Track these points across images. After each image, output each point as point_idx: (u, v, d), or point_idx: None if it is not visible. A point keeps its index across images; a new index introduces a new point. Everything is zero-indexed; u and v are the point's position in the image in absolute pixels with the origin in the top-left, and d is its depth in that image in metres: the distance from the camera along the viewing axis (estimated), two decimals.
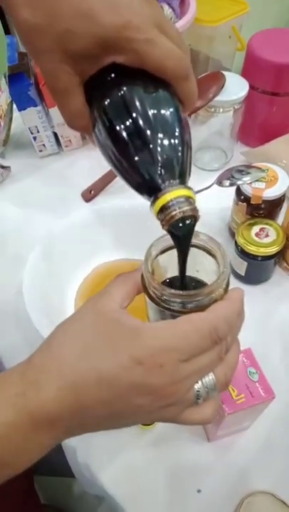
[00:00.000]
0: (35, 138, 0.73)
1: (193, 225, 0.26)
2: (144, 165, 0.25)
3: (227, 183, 0.54)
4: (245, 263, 0.54)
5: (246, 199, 0.54)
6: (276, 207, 0.55)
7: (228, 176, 0.55)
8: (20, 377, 0.25)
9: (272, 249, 0.52)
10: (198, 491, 0.43)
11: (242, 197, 0.55)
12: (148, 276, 0.26)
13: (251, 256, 0.53)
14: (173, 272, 0.30)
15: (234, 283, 0.57)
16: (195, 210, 0.25)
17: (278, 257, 0.54)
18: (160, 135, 0.25)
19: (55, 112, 0.69)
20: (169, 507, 0.42)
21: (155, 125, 0.25)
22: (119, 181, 0.69)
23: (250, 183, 0.53)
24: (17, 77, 0.65)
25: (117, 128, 0.25)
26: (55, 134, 0.74)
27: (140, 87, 0.26)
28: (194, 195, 0.26)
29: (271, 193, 0.52)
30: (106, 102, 0.26)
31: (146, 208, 0.26)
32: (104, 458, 0.45)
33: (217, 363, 0.26)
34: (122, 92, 0.26)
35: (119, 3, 0.24)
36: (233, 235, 0.59)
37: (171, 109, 0.26)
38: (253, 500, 0.41)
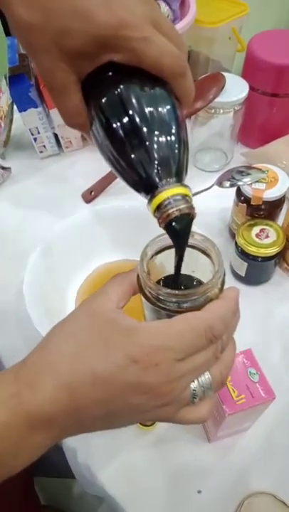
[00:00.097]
0: (35, 139, 0.73)
1: (189, 222, 0.26)
2: (140, 163, 0.25)
3: (227, 184, 0.54)
4: (246, 264, 0.54)
5: (246, 200, 0.54)
6: (276, 208, 0.55)
7: (229, 177, 0.55)
8: (14, 378, 0.25)
9: (273, 250, 0.52)
10: (199, 492, 0.43)
11: (242, 198, 0.55)
12: (144, 277, 0.27)
13: (251, 257, 0.53)
14: (169, 271, 0.30)
15: (234, 284, 0.57)
16: (191, 208, 0.25)
17: (278, 257, 0.54)
18: (157, 133, 0.25)
19: (55, 113, 0.69)
20: (169, 507, 0.42)
21: (152, 123, 0.25)
22: (119, 182, 0.69)
23: (251, 184, 0.53)
24: (18, 78, 0.65)
25: (114, 126, 0.26)
26: (56, 135, 0.74)
27: (137, 85, 0.26)
28: (191, 193, 0.26)
29: (271, 193, 0.52)
30: (103, 100, 0.26)
31: (146, 209, 0.26)
32: (104, 458, 0.45)
33: (213, 361, 0.27)
34: (118, 90, 0.26)
35: (116, 2, 0.24)
36: (233, 235, 0.59)
37: (168, 107, 0.26)
38: (253, 500, 0.41)
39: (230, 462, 0.44)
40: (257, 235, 0.53)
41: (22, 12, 0.24)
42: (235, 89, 0.63)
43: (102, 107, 0.26)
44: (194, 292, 0.26)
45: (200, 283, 0.30)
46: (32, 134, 0.72)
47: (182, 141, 0.26)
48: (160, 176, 0.25)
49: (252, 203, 0.53)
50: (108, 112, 0.26)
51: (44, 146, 0.75)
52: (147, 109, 0.25)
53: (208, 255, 0.28)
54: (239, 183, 0.53)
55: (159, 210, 0.25)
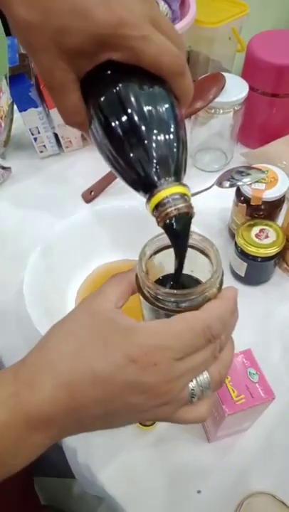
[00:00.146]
0: (35, 139, 0.73)
1: (188, 221, 0.26)
2: (139, 162, 0.25)
3: (227, 184, 0.54)
4: (245, 264, 0.54)
5: (246, 200, 0.54)
6: (276, 208, 0.55)
7: (228, 177, 0.55)
8: (14, 378, 0.25)
9: (272, 250, 0.52)
10: (198, 492, 0.43)
11: (242, 198, 0.55)
12: (142, 276, 0.27)
13: (251, 257, 0.53)
14: (167, 271, 0.30)
15: (234, 284, 0.57)
16: (190, 207, 0.25)
17: (278, 258, 0.54)
18: (155, 132, 0.25)
19: (55, 113, 0.69)
20: (169, 508, 0.42)
21: (150, 122, 0.25)
22: (119, 182, 0.69)
23: (250, 184, 0.53)
24: (18, 78, 0.65)
25: (113, 125, 0.26)
26: (56, 135, 0.74)
27: (136, 84, 0.26)
28: (189, 192, 0.26)
29: (271, 194, 0.52)
30: (102, 99, 0.26)
31: (146, 209, 0.26)
32: (104, 458, 0.45)
33: (211, 361, 0.27)
34: (117, 89, 0.26)
35: (115, 0, 0.24)
36: (233, 235, 0.59)
37: (167, 106, 0.26)
38: (253, 501, 0.41)
39: (229, 462, 0.44)
40: (256, 235, 0.53)
41: (21, 11, 0.24)
42: (235, 89, 0.63)
43: (100, 105, 0.26)
44: (193, 292, 0.26)
45: (198, 282, 0.30)
46: (32, 134, 0.72)
47: (181, 140, 0.26)
48: (159, 174, 0.25)
49: (252, 203, 0.53)
50: (107, 111, 0.26)
51: (44, 145, 0.75)
52: (146, 108, 0.25)
53: (206, 255, 0.28)
54: (239, 183, 0.53)
55: (157, 209, 0.25)
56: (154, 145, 0.25)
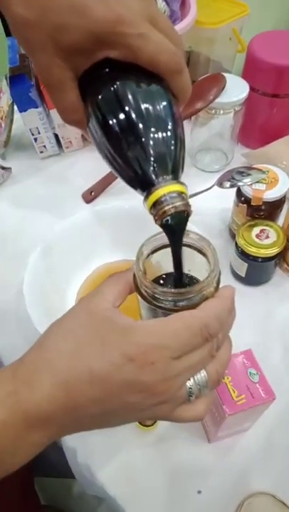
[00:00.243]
0: (36, 139, 0.73)
1: (185, 219, 0.26)
2: (136, 160, 0.25)
3: (227, 184, 0.54)
4: (246, 264, 0.54)
5: (247, 200, 0.54)
6: (276, 208, 0.55)
7: (229, 178, 0.55)
8: (12, 376, 0.25)
9: (273, 251, 0.52)
10: (199, 492, 0.43)
11: (242, 198, 0.55)
12: (140, 276, 0.27)
13: (252, 257, 0.53)
14: (165, 270, 0.30)
15: (235, 284, 0.57)
16: (187, 205, 0.25)
17: (279, 258, 0.54)
18: (153, 130, 0.25)
19: (55, 113, 0.69)
20: (169, 508, 0.42)
21: (148, 120, 0.25)
22: (119, 182, 0.69)
23: (251, 184, 0.53)
24: (18, 78, 0.65)
25: (110, 123, 0.26)
26: (56, 135, 0.74)
27: (133, 82, 0.26)
28: (187, 190, 0.26)
29: (271, 194, 0.52)
30: (99, 97, 0.26)
31: (144, 207, 0.26)
32: (104, 458, 0.45)
33: (208, 360, 0.27)
34: (114, 87, 0.26)
35: None
36: (233, 236, 0.59)
37: (164, 104, 0.26)
38: (253, 501, 0.41)
39: (230, 462, 0.44)
40: (257, 236, 0.53)
41: (19, 8, 0.24)
42: (236, 89, 0.63)
43: (98, 103, 0.26)
44: (190, 291, 0.26)
45: (196, 282, 0.30)
46: (32, 134, 0.72)
47: (178, 138, 0.26)
48: (156, 173, 0.25)
49: (252, 203, 0.53)
50: (104, 109, 0.26)
51: (44, 146, 0.75)
52: (143, 106, 0.25)
53: (204, 254, 0.28)
54: (239, 183, 0.53)
55: (155, 207, 0.25)
56: (151, 143, 0.25)
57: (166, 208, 0.25)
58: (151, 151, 0.25)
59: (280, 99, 0.67)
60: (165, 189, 0.25)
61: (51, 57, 0.25)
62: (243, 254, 0.53)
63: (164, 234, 0.27)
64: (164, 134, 0.25)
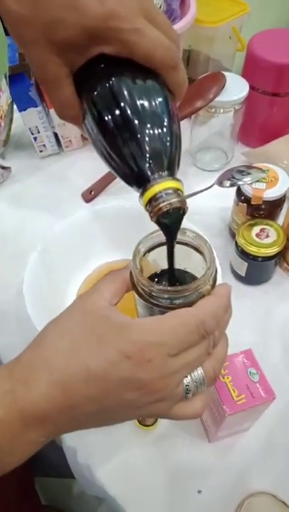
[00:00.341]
0: (35, 138, 0.73)
1: (181, 216, 0.26)
2: (132, 156, 0.25)
3: (227, 183, 0.54)
4: (246, 264, 0.54)
5: (247, 200, 0.54)
6: (277, 207, 0.55)
7: (229, 177, 0.55)
8: (9, 375, 0.25)
9: (273, 250, 0.52)
10: (199, 492, 0.43)
11: (242, 197, 0.55)
12: (136, 274, 0.27)
13: (252, 256, 0.53)
14: (161, 268, 0.30)
15: (235, 284, 0.57)
16: (183, 201, 0.25)
17: (279, 257, 0.54)
18: (149, 126, 0.25)
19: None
20: (169, 507, 0.42)
21: (144, 116, 0.25)
22: (119, 182, 0.69)
23: (251, 183, 0.53)
24: (18, 77, 0.65)
25: (106, 119, 0.25)
26: (56, 135, 0.74)
27: (128, 78, 0.26)
28: (183, 186, 0.26)
29: (272, 193, 0.52)
30: (94, 93, 0.26)
31: (139, 204, 0.26)
32: (104, 458, 0.45)
33: (205, 357, 0.27)
34: (110, 83, 0.25)
35: None
36: (233, 235, 0.59)
37: (160, 100, 0.26)
38: (253, 500, 0.40)
39: (230, 462, 0.44)
40: (257, 235, 0.53)
41: (12, 4, 0.24)
42: (236, 88, 0.63)
43: (93, 99, 0.26)
44: (186, 288, 0.26)
45: (192, 279, 0.30)
46: (32, 134, 0.72)
47: (174, 135, 0.26)
48: (152, 169, 0.25)
49: (252, 202, 0.53)
50: (100, 105, 0.26)
51: (44, 145, 0.74)
52: (139, 102, 0.25)
53: (200, 252, 0.28)
54: (239, 182, 0.53)
55: (150, 203, 0.25)
56: (147, 139, 0.25)
57: (162, 204, 0.25)
58: (147, 148, 0.25)
59: (280, 97, 0.67)
60: (161, 186, 0.25)
61: (46, 53, 0.25)
62: (243, 254, 0.53)
63: (161, 232, 0.27)
64: (160, 130, 0.25)
